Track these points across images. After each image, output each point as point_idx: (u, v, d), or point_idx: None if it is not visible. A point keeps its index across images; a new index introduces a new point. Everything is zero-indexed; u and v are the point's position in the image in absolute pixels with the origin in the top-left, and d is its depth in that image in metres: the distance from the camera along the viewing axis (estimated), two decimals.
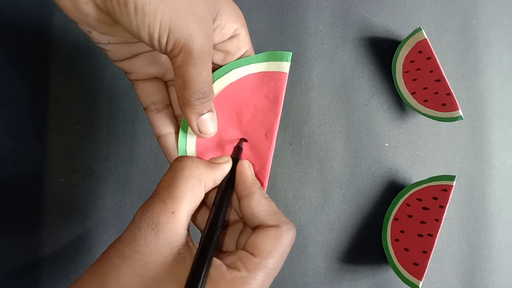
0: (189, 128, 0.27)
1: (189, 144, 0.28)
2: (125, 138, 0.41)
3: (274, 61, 0.28)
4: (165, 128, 0.28)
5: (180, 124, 0.28)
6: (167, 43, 0.22)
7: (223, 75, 0.28)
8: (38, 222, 0.40)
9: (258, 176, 0.29)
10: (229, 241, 0.27)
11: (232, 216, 0.28)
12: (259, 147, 0.28)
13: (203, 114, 0.26)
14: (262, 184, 0.28)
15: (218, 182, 0.26)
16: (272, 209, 0.25)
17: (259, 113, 0.28)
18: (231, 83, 0.28)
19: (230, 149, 0.28)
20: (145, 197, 0.41)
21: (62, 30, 0.41)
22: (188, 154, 0.28)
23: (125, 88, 0.42)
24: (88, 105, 0.41)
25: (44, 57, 0.41)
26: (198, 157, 0.28)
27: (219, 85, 0.28)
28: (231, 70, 0.28)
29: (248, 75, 0.28)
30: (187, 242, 0.22)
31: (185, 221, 0.23)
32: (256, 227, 0.24)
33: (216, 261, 0.22)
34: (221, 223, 0.24)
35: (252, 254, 0.23)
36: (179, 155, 0.28)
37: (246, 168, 0.27)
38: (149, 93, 0.28)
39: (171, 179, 0.24)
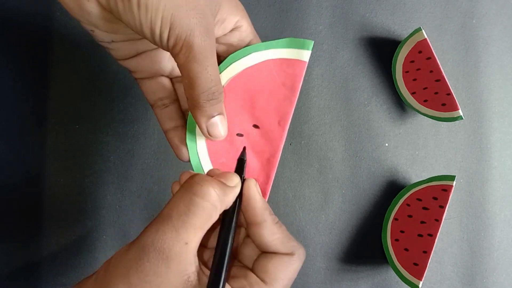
0: (196, 128, 0.27)
1: (199, 145, 0.28)
2: (125, 138, 0.41)
3: (295, 48, 0.27)
4: (172, 122, 0.28)
5: (186, 126, 0.28)
6: (168, 39, 0.22)
7: (241, 57, 0.27)
8: (38, 222, 0.40)
9: (267, 164, 0.28)
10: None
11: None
12: (270, 135, 0.28)
13: (214, 116, 0.25)
14: (270, 173, 0.28)
15: (229, 205, 0.25)
16: (285, 235, 0.24)
17: (274, 100, 0.28)
18: (248, 67, 0.27)
19: (240, 140, 0.28)
20: (145, 197, 0.41)
21: (62, 30, 0.41)
22: (199, 154, 0.28)
23: (125, 88, 0.42)
24: (88, 105, 0.41)
25: (44, 57, 0.41)
26: (210, 161, 0.27)
27: (236, 68, 0.27)
28: (249, 54, 0.27)
29: (266, 60, 0.27)
30: (196, 268, 0.22)
31: (196, 248, 0.22)
32: (267, 252, 0.24)
33: (226, 287, 0.22)
34: (230, 253, 0.23)
35: (263, 281, 0.23)
36: (191, 158, 0.28)
37: (255, 191, 0.25)
38: (155, 90, 0.28)
39: (187, 205, 0.22)
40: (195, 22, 0.21)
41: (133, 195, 0.41)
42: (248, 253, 0.26)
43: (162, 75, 0.29)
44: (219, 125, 0.26)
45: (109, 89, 0.41)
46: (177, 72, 0.29)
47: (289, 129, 0.43)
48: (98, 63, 0.41)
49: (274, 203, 0.43)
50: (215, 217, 0.23)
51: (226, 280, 0.22)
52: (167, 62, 0.28)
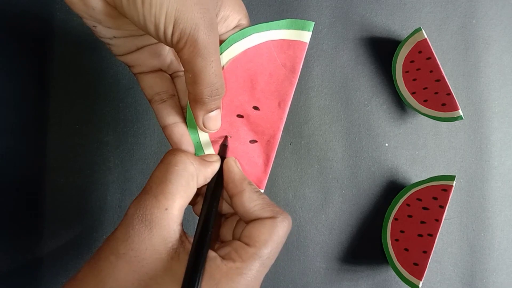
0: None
1: (201, 133, 0.28)
2: (125, 138, 0.41)
3: (295, 29, 0.27)
4: (170, 117, 0.28)
5: (186, 120, 0.28)
6: (172, 34, 0.22)
7: (241, 39, 0.27)
8: (38, 222, 0.40)
9: (267, 146, 0.28)
10: (226, 232, 0.28)
11: (229, 209, 0.28)
12: (270, 116, 0.28)
13: (212, 111, 0.26)
14: (270, 154, 0.29)
15: (208, 179, 0.26)
16: (265, 202, 0.25)
17: (274, 81, 0.28)
18: (249, 48, 0.27)
19: (240, 121, 0.28)
20: None
21: (62, 30, 0.41)
22: (200, 137, 0.28)
23: (125, 88, 0.42)
24: (88, 105, 0.41)
25: (44, 56, 0.41)
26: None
27: (236, 49, 0.27)
28: (250, 35, 0.27)
29: (267, 41, 0.27)
30: (180, 237, 0.23)
31: (178, 216, 0.23)
32: (252, 220, 0.24)
33: (211, 253, 0.23)
34: (212, 222, 0.24)
35: (247, 244, 0.23)
36: (192, 139, 0.28)
37: (233, 165, 0.27)
38: (153, 84, 0.28)
39: (164, 173, 0.23)
40: (200, 17, 0.21)
41: (133, 195, 0.41)
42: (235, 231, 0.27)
43: (161, 70, 0.29)
44: (216, 119, 0.26)
45: (109, 89, 0.41)
46: (175, 66, 0.29)
47: (289, 129, 0.43)
48: (98, 63, 0.41)
49: (274, 203, 0.43)
50: (193, 185, 0.24)
51: (209, 248, 0.23)
52: (166, 56, 0.28)
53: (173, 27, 0.21)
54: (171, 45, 0.23)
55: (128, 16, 0.22)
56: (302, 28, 0.27)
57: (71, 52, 0.41)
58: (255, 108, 0.28)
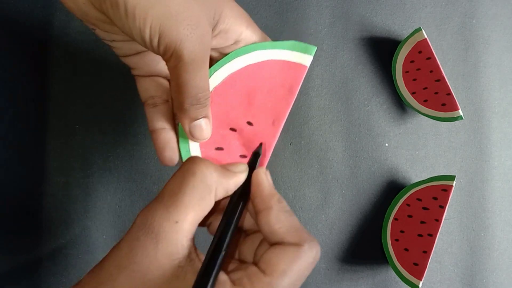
0: None
1: (191, 143, 0.28)
2: (125, 138, 0.41)
3: (298, 51, 0.28)
4: (159, 123, 0.28)
5: (178, 128, 0.28)
6: (158, 46, 0.22)
7: (244, 54, 0.28)
8: (38, 222, 0.40)
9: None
10: (247, 251, 0.25)
11: (254, 225, 0.26)
12: (263, 133, 0.28)
13: (198, 119, 0.25)
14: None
15: (230, 192, 0.24)
16: (293, 225, 0.22)
17: (271, 99, 0.28)
18: (250, 65, 0.28)
19: (232, 135, 0.28)
20: (145, 197, 0.41)
21: (62, 30, 0.41)
22: (190, 147, 0.28)
23: (125, 88, 0.42)
24: (88, 105, 0.41)
25: (44, 57, 0.41)
26: (209, 158, 0.27)
27: (238, 63, 0.28)
28: (254, 51, 0.28)
29: (269, 60, 0.28)
30: (189, 254, 0.21)
31: (190, 231, 0.21)
32: (274, 244, 0.22)
33: (221, 276, 0.21)
34: (229, 240, 0.22)
35: (263, 272, 0.21)
36: (181, 150, 0.28)
37: (263, 178, 0.24)
38: (148, 88, 0.28)
39: (180, 183, 0.21)
40: (186, 34, 0.21)
41: (133, 195, 0.41)
42: (252, 251, 0.24)
43: (159, 75, 0.29)
44: (203, 128, 0.26)
45: (109, 89, 0.41)
46: None
47: (289, 129, 0.43)
48: (98, 64, 0.41)
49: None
50: (209, 198, 0.22)
51: (221, 269, 0.21)
52: (165, 64, 0.28)
53: (159, 40, 0.21)
54: (158, 54, 0.22)
55: (116, 25, 0.22)
56: (305, 51, 0.28)
57: (71, 51, 0.41)
58: (249, 123, 0.28)
